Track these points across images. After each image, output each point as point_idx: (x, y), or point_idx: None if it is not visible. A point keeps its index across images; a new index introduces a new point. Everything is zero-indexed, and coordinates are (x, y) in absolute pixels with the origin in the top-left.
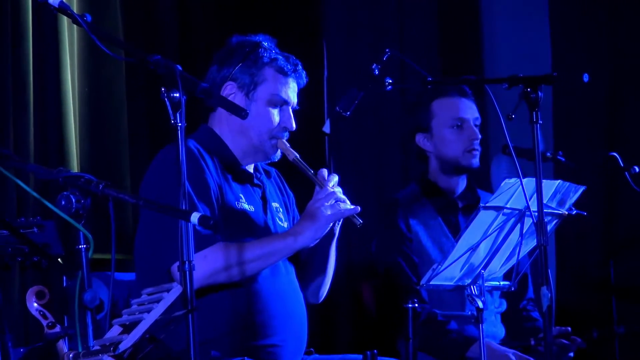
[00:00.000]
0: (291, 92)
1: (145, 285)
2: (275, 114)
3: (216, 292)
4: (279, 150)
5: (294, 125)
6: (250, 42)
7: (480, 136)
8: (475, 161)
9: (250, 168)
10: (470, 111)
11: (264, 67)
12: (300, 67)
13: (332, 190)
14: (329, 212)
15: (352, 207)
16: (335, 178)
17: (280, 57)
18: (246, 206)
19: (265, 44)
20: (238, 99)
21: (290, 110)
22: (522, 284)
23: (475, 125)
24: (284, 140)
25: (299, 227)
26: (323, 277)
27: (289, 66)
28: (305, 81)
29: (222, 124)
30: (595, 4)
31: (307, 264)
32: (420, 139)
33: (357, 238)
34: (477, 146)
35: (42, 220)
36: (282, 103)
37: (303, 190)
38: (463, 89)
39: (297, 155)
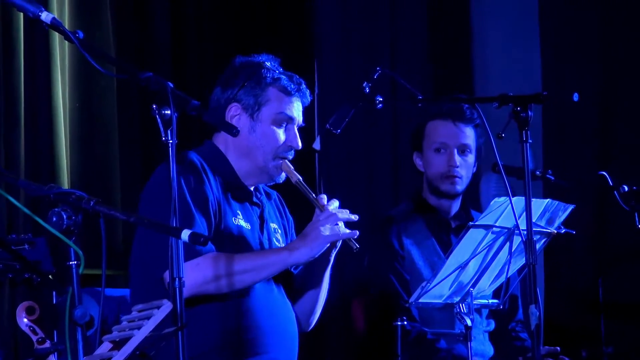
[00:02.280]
0: (295, 110)
1: (139, 295)
2: (280, 133)
3: (207, 305)
4: (283, 172)
5: (299, 143)
6: (253, 62)
7: (458, 164)
8: (454, 187)
9: (251, 187)
10: (456, 137)
11: (267, 88)
12: (304, 85)
13: (332, 212)
14: (327, 233)
15: (350, 231)
16: (335, 203)
17: (284, 76)
18: (242, 223)
19: (268, 64)
20: (243, 119)
21: (296, 129)
22: (511, 305)
23: (463, 152)
24: (288, 163)
25: (295, 244)
26: (314, 305)
27: (292, 85)
28: (309, 99)
29: (227, 143)
30: (586, 22)
31: (299, 290)
32: (415, 157)
33: (348, 256)
34: (456, 173)
35: (33, 237)
36: (287, 121)
37: (303, 215)
38: (462, 112)
39: (300, 178)
